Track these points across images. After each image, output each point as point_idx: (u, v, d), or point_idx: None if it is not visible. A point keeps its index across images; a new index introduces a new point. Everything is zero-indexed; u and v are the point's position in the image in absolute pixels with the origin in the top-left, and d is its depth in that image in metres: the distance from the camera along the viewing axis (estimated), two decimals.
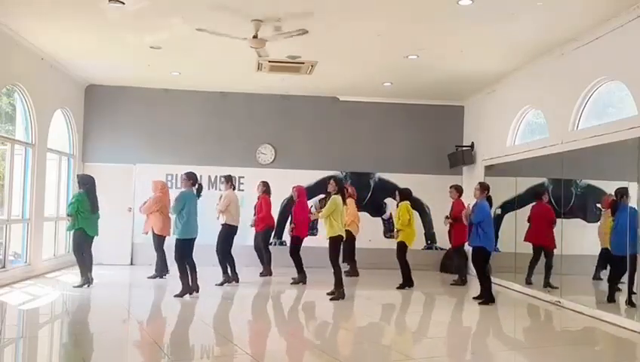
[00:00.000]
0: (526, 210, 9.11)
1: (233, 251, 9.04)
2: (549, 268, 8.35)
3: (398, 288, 8.89)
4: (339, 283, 7.78)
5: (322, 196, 10.35)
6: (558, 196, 8.34)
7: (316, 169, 11.57)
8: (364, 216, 10.98)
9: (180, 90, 11.48)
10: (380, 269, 10.48)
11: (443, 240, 10.54)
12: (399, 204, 8.99)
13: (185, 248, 7.69)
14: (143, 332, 6.20)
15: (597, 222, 7.93)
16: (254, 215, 9.82)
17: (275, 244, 11.06)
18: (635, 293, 6.48)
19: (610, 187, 7.63)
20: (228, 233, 8.91)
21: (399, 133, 11.91)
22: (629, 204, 6.83)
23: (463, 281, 9.55)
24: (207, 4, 6.86)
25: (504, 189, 9.53)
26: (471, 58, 8.94)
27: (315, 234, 10.71)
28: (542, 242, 8.46)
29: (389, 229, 11.62)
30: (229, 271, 8.92)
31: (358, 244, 10.28)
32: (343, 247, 8.29)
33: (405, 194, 9.10)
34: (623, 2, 6.51)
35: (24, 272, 8.89)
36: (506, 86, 10.00)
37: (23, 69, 8.75)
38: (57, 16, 7.59)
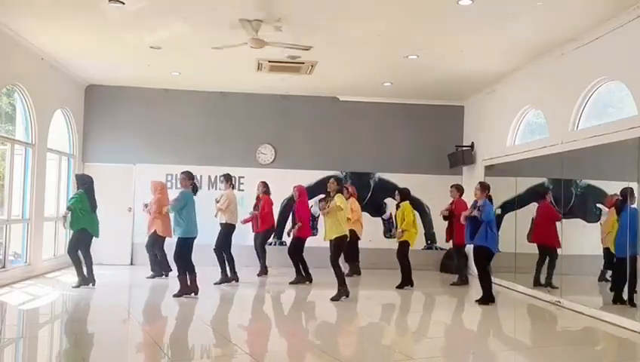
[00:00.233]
0: (526, 210, 9.11)
1: (233, 251, 9.05)
2: (552, 267, 8.33)
3: (397, 287, 8.89)
4: (342, 282, 7.73)
5: (322, 196, 10.35)
6: (558, 196, 8.34)
7: (316, 169, 11.57)
8: (364, 216, 10.96)
9: (180, 90, 11.48)
10: (380, 269, 10.48)
11: (443, 240, 10.53)
12: (401, 204, 8.97)
13: (185, 247, 7.68)
14: (142, 333, 6.20)
15: (597, 222, 7.93)
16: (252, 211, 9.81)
17: (274, 244, 11.07)
18: (636, 292, 6.47)
19: (610, 187, 7.63)
20: (228, 232, 8.93)
21: (399, 133, 11.91)
22: (630, 205, 6.82)
23: (463, 281, 9.54)
24: (207, 4, 6.87)
25: (504, 189, 9.52)
26: (471, 58, 8.94)
27: (316, 234, 10.70)
28: (547, 242, 8.43)
29: (389, 229, 11.63)
30: (229, 271, 8.93)
31: (358, 244, 10.27)
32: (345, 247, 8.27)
33: (406, 194, 9.10)
34: (623, 2, 6.51)
35: (24, 272, 8.89)
36: (506, 86, 10.00)
37: (23, 69, 8.75)
38: (57, 16, 7.58)
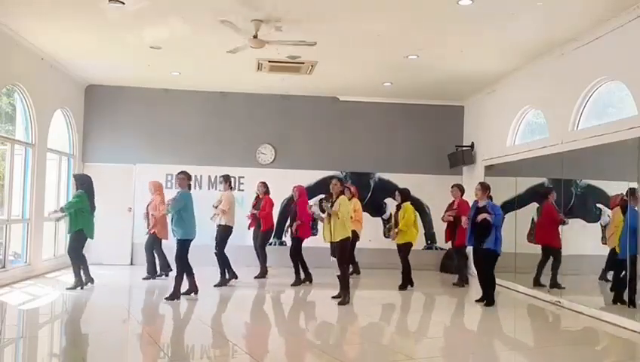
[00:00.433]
0: (526, 210, 9.11)
1: (232, 251, 9.03)
2: (556, 268, 8.30)
3: (400, 289, 8.88)
4: (346, 287, 7.65)
5: (322, 196, 10.36)
6: (558, 196, 8.32)
7: (316, 169, 11.58)
8: (364, 216, 10.95)
9: (180, 90, 11.48)
10: (380, 269, 10.48)
11: (443, 240, 10.52)
12: (403, 205, 8.95)
13: (186, 248, 7.62)
14: (142, 332, 6.20)
15: (596, 222, 7.92)
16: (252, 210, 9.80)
17: (275, 244, 11.06)
18: (636, 293, 6.47)
19: (610, 187, 7.63)
20: (227, 234, 8.91)
21: (399, 133, 11.91)
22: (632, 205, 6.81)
23: (464, 282, 9.52)
24: (207, 4, 6.87)
25: (504, 189, 9.52)
26: (471, 58, 8.94)
27: (316, 234, 10.69)
28: (550, 242, 8.40)
29: (389, 229, 11.61)
30: (226, 271, 8.89)
31: (357, 244, 10.25)
32: None
33: (406, 195, 9.09)
34: (623, 2, 6.51)
35: (24, 272, 8.89)
36: (506, 86, 10.00)
37: (23, 69, 8.75)
38: (57, 16, 7.58)
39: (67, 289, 8.07)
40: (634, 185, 6.71)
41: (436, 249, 11.77)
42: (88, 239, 8.32)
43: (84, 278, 8.17)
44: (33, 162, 9.16)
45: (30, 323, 6.69)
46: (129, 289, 9.21)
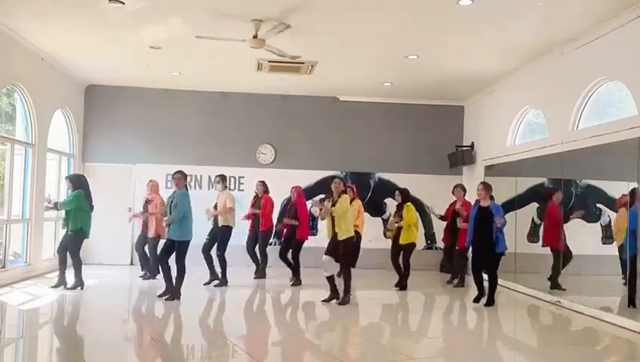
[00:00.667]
0: (526, 211, 9.10)
1: (233, 251, 9.02)
2: (559, 268, 8.28)
3: (401, 289, 8.86)
4: (348, 288, 7.59)
5: (322, 196, 10.34)
6: None
7: (316, 169, 11.58)
8: (364, 216, 10.95)
9: (180, 90, 11.48)
10: (379, 269, 10.47)
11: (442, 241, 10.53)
12: (405, 205, 8.91)
13: (187, 249, 7.57)
14: (142, 332, 6.20)
15: (596, 222, 7.91)
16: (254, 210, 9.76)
17: (275, 244, 11.05)
18: (636, 293, 6.46)
19: (610, 187, 7.62)
20: (229, 235, 8.85)
21: (399, 133, 11.91)
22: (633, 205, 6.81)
23: (461, 283, 9.51)
24: (207, 4, 6.87)
25: (504, 189, 9.51)
26: (471, 58, 8.94)
27: (315, 235, 10.70)
28: (553, 243, 8.38)
29: (388, 229, 11.58)
30: (220, 275, 8.84)
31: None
32: None
33: (406, 195, 9.08)
34: (623, 2, 6.51)
35: (24, 272, 8.89)
36: (506, 86, 10.00)
37: (23, 69, 8.75)
38: (57, 16, 7.59)
39: (68, 288, 8.06)
40: (634, 185, 6.71)
41: (436, 249, 11.76)
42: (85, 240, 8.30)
43: (74, 280, 8.03)
44: (33, 162, 9.16)
45: (30, 323, 6.69)
46: (129, 289, 9.21)
